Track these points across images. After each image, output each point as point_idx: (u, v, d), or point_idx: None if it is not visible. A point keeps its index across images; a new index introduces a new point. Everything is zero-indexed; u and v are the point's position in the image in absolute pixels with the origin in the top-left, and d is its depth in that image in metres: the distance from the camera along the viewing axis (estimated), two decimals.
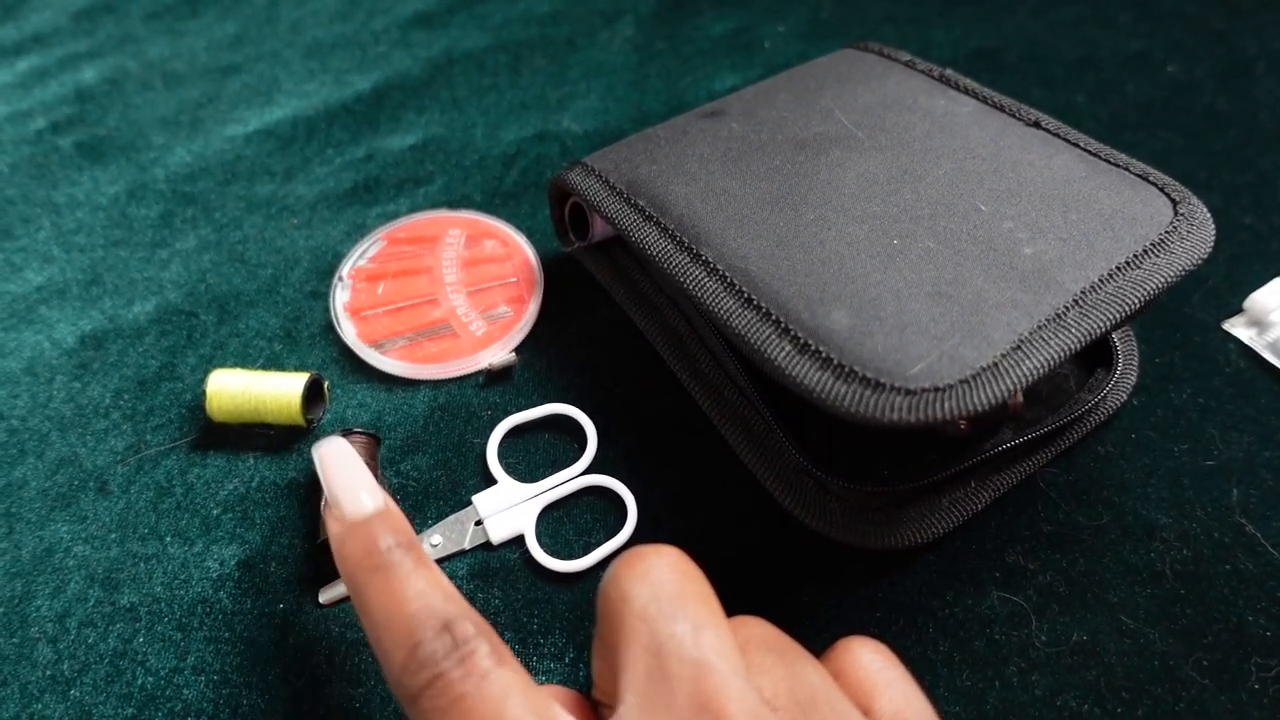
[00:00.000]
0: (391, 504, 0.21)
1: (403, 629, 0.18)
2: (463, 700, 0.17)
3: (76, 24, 0.52)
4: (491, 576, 0.28)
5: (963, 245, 0.26)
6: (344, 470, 0.22)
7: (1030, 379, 0.22)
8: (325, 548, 0.29)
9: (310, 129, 0.45)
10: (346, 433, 0.30)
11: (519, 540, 0.29)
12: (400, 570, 0.19)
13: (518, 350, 0.34)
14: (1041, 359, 0.23)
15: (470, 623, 0.18)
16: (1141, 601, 0.27)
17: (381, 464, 0.31)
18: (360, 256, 0.37)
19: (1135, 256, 0.25)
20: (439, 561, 0.29)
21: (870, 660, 0.20)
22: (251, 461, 0.31)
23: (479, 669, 0.17)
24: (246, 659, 0.27)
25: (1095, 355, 0.31)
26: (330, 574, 0.28)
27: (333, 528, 0.21)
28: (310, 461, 0.30)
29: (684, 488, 0.30)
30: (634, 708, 0.17)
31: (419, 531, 0.29)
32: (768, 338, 0.24)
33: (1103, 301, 0.24)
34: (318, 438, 0.32)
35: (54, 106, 0.46)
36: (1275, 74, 0.45)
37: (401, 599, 0.19)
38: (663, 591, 0.18)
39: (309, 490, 0.30)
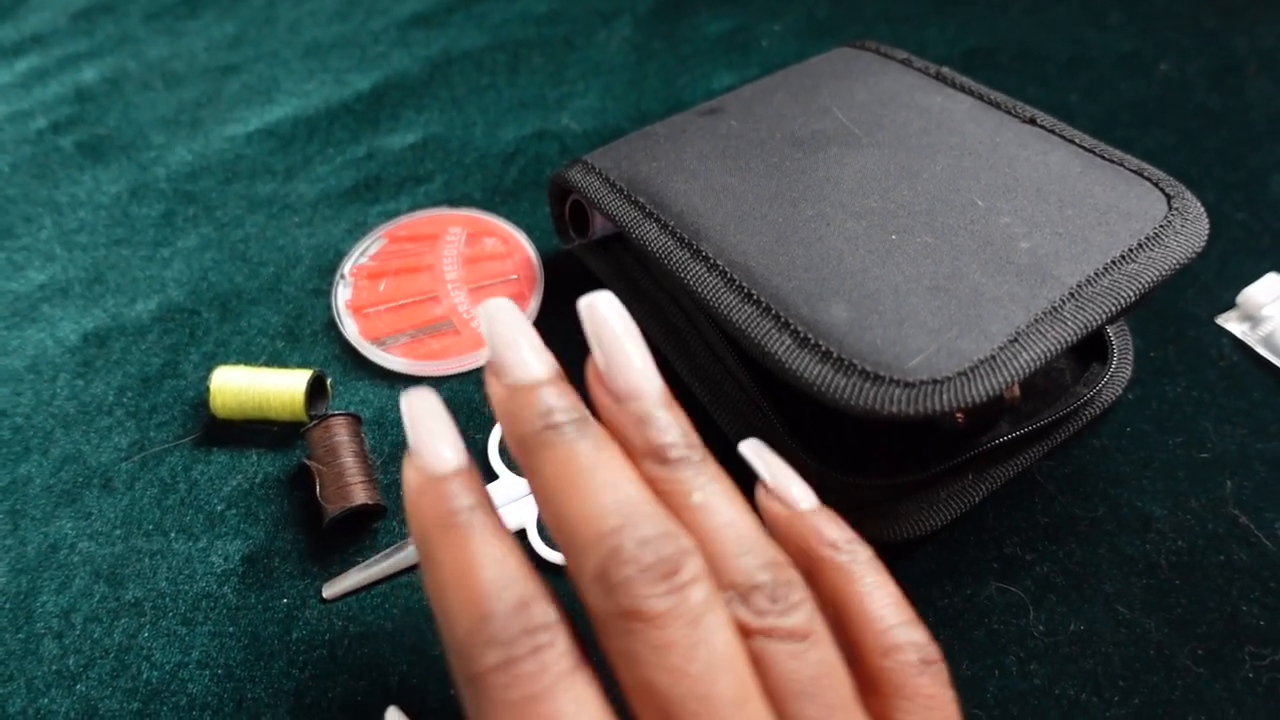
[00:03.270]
0: (474, 466, 0.19)
1: (474, 594, 0.16)
2: (533, 704, 0.15)
3: (75, 24, 0.52)
4: None
5: (960, 240, 0.26)
6: (429, 421, 0.19)
7: (1027, 372, 0.23)
8: (333, 528, 0.29)
9: (310, 128, 0.45)
10: (325, 418, 0.30)
11: (520, 534, 0.29)
12: (479, 533, 0.17)
13: None
14: (1038, 352, 0.23)
15: (551, 607, 0.16)
16: (1137, 592, 0.27)
17: (385, 460, 0.31)
18: (361, 254, 0.38)
19: (1130, 251, 0.25)
20: None
21: None
22: (255, 457, 0.31)
23: (555, 668, 0.15)
24: (251, 653, 0.27)
25: (1091, 349, 0.31)
26: (335, 568, 0.29)
27: (410, 479, 0.18)
28: (302, 451, 0.30)
29: None
30: None
31: None
32: (767, 332, 0.25)
33: (1098, 295, 0.24)
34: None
35: (54, 106, 0.46)
36: (1266, 73, 0.45)
37: (477, 562, 0.16)
38: None
39: (303, 482, 0.31)
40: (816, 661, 0.17)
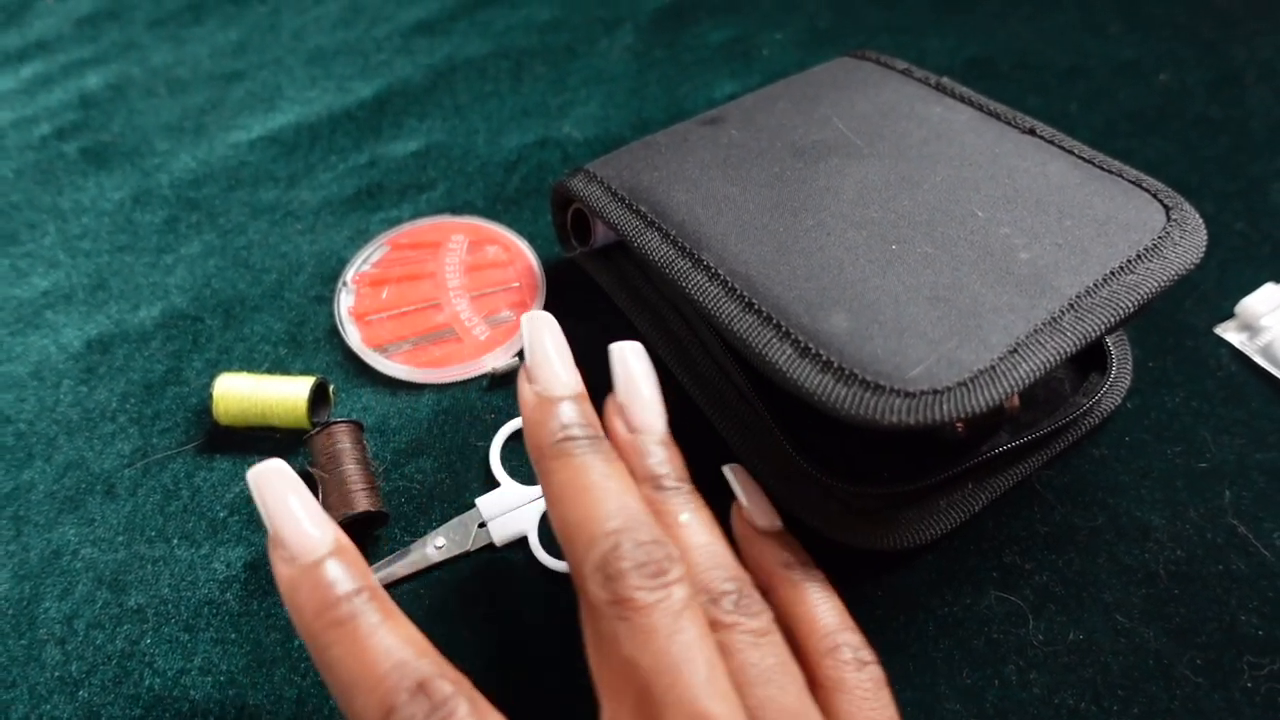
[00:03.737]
0: (345, 539, 0.19)
1: (375, 692, 0.17)
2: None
3: (80, 31, 0.52)
4: (495, 578, 0.29)
5: (960, 250, 0.26)
6: (285, 502, 0.19)
7: (1027, 382, 0.23)
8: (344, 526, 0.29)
9: (313, 135, 0.45)
10: (327, 425, 0.30)
11: (522, 542, 0.29)
12: (365, 623, 0.18)
13: (520, 355, 0.35)
14: (1037, 362, 0.23)
15: (446, 680, 0.18)
16: (1136, 601, 0.27)
17: (387, 467, 0.31)
18: (364, 262, 0.38)
19: (1129, 261, 0.25)
20: (443, 563, 0.29)
21: None
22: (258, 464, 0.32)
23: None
24: (253, 660, 0.27)
25: (1090, 359, 0.32)
26: None
27: (281, 571, 0.18)
28: (305, 458, 0.30)
29: None
30: None
31: (424, 533, 0.30)
32: (768, 341, 0.25)
33: (1097, 306, 0.24)
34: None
35: (59, 113, 0.47)
36: (1265, 82, 0.46)
37: (370, 657, 0.17)
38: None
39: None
40: (773, 654, 0.19)
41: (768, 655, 0.19)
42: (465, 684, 0.18)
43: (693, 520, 0.21)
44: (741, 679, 0.19)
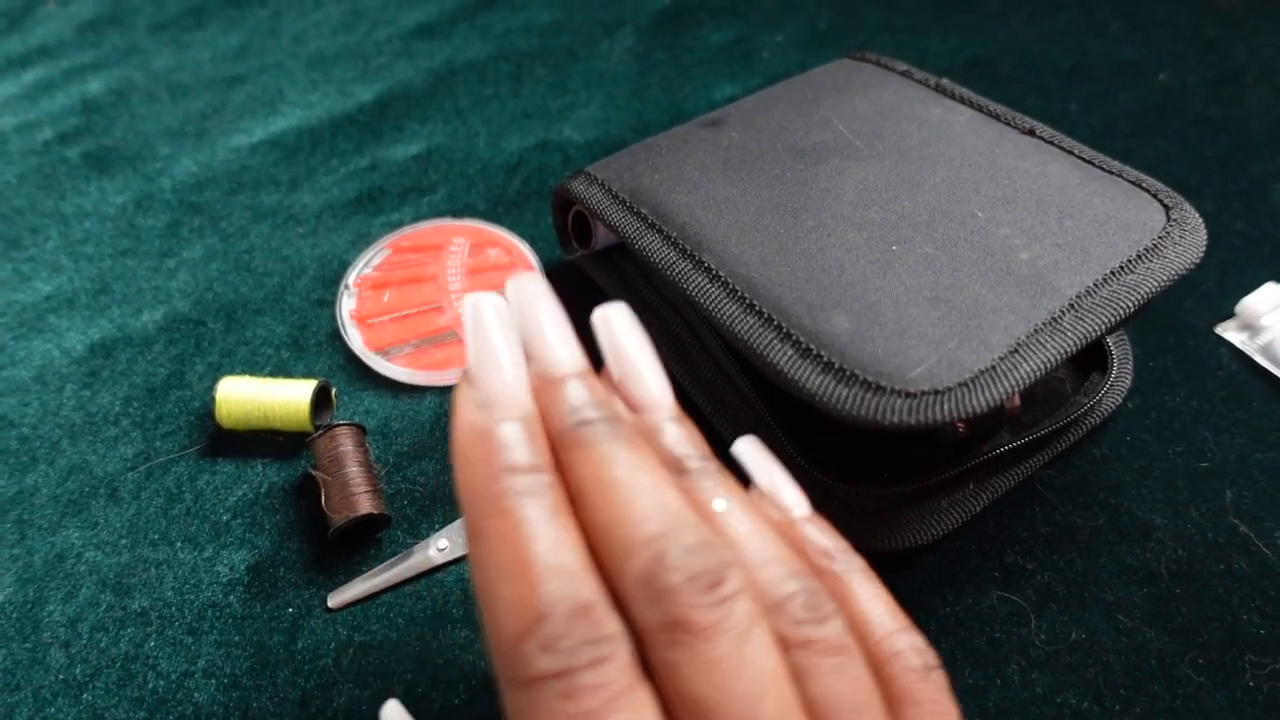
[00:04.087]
0: (535, 409, 0.17)
1: (532, 590, 0.14)
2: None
3: (82, 36, 0.52)
4: None
5: (960, 251, 0.26)
6: (496, 338, 0.17)
7: (1027, 382, 0.23)
8: (338, 538, 0.29)
9: (314, 139, 0.45)
10: (330, 428, 0.30)
11: None
12: (534, 513, 0.15)
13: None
14: (1038, 362, 0.23)
15: (615, 615, 0.15)
16: (1138, 601, 0.27)
17: (389, 470, 0.32)
18: (366, 265, 0.38)
19: (1129, 261, 0.26)
20: (446, 565, 0.29)
21: None
22: (260, 468, 0.32)
23: (614, 686, 0.14)
24: (256, 662, 0.27)
25: (1091, 359, 0.32)
26: (340, 577, 0.29)
27: (466, 416, 0.16)
28: (307, 461, 0.30)
29: None
30: None
31: (426, 536, 0.30)
32: (770, 342, 0.25)
33: (1097, 306, 0.24)
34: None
35: (61, 118, 0.47)
36: (1265, 82, 0.46)
37: (531, 557, 0.15)
38: None
39: (308, 492, 0.31)
40: (855, 677, 0.16)
41: (850, 678, 0.16)
42: (629, 633, 0.15)
43: (731, 506, 0.17)
44: (822, 710, 0.16)
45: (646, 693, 0.15)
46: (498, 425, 0.16)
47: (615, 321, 0.19)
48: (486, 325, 0.17)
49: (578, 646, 0.14)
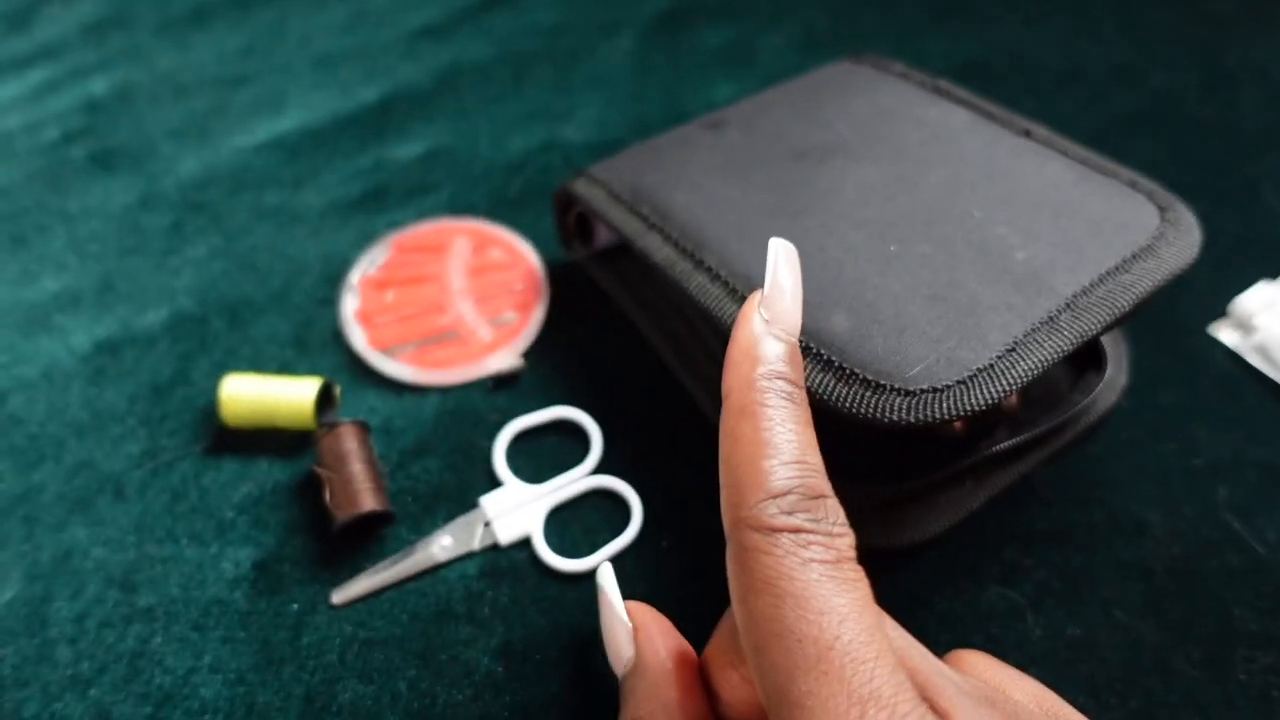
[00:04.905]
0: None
1: (780, 469, 0.18)
2: (818, 565, 0.17)
3: (86, 36, 0.53)
4: (500, 576, 0.29)
5: (958, 250, 0.26)
6: (792, 274, 0.21)
7: (1024, 380, 0.23)
8: (342, 535, 0.29)
9: (318, 139, 0.45)
10: (333, 426, 0.31)
11: (526, 541, 0.30)
12: (797, 414, 0.19)
13: (524, 356, 0.35)
14: (1035, 361, 0.23)
15: (843, 517, 0.18)
16: (1133, 596, 0.28)
17: (393, 468, 0.32)
18: (369, 264, 0.38)
19: (1124, 261, 0.26)
20: (449, 562, 0.29)
21: (990, 662, 0.21)
22: (265, 465, 0.32)
23: (843, 553, 0.17)
24: (261, 658, 0.27)
25: (1087, 359, 0.32)
26: (344, 574, 0.29)
27: (755, 323, 0.20)
28: (311, 458, 0.31)
29: (688, 489, 0.31)
30: None
31: (429, 532, 0.30)
32: None
33: (1093, 305, 0.25)
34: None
35: (65, 117, 0.47)
36: (1258, 83, 0.46)
37: (791, 444, 0.18)
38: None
39: (312, 489, 0.31)
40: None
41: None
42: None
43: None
44: None
45: (863, 577, 0.17)
46: (778, 338, 0.20)
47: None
48: (787, 263, 0.21)
49: (816, 520, 0.17)
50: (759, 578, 0.17)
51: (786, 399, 0.19)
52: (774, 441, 0.18)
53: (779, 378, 0.19)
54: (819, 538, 0.17)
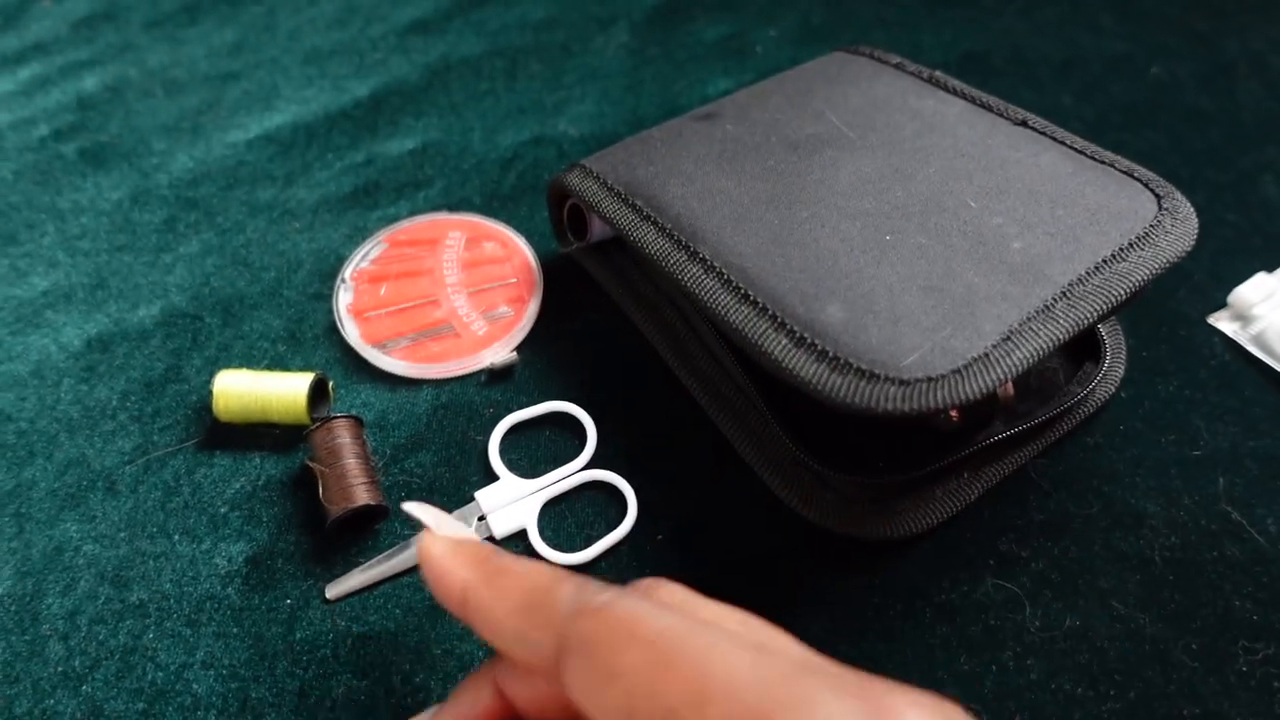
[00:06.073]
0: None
1: (544, 595, 0.20)
2: (609, 606, 0.19)
3: (77, 33, 0.52)
4: None
5: (953, 240, 0.26)
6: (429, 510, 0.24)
7: (1020, 369, 0.23)
8: (335, 529, 0.29)
9: (310, 134, 0.45)
10: (327, 420, 0.30)
11: (521, 534, 0.30)
12: (512, 565, 0.22)
13: (518, 349, 0.35)
14: (1030, 349, 0.23)
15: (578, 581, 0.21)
16: (1132, 588, 0.28)
17: (387, 462, 0.32)
18: (362, 259, 0.38)
19: (1121, 250, 0.26)
20: None
21: (688, 592, 0.21)
22: (258, 460, 0.32)
23: (604, 598, 0.19)
24: (255, 653, 0.27)
25: (1084, 349, 0.32)
26: (338, 569, 0.29)
27: (437, 542, 0.23)
28: (305, 453, 0.30)
29: (683, 482, 0.31)
30: None
31: (421, 527, 0.30)
32: (764, 332, 0.25)
33: (1089, 293, 0.25)
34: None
35: (56, 114, 0.47)
36: (1256, 74, 0.46)
37: (529, 577, 0.21)
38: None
39: (306, 484, 0.31)
40: None
41: None
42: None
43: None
44: None
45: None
46: (459, 541, 0.23)
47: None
48: (418, 510, 0.24)
49: (595, 588, 0.19)
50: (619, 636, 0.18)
51: (495, 568, 0.21)
52: (525, 571, 0.21)
53: (481, 559, 0.22)
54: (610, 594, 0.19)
